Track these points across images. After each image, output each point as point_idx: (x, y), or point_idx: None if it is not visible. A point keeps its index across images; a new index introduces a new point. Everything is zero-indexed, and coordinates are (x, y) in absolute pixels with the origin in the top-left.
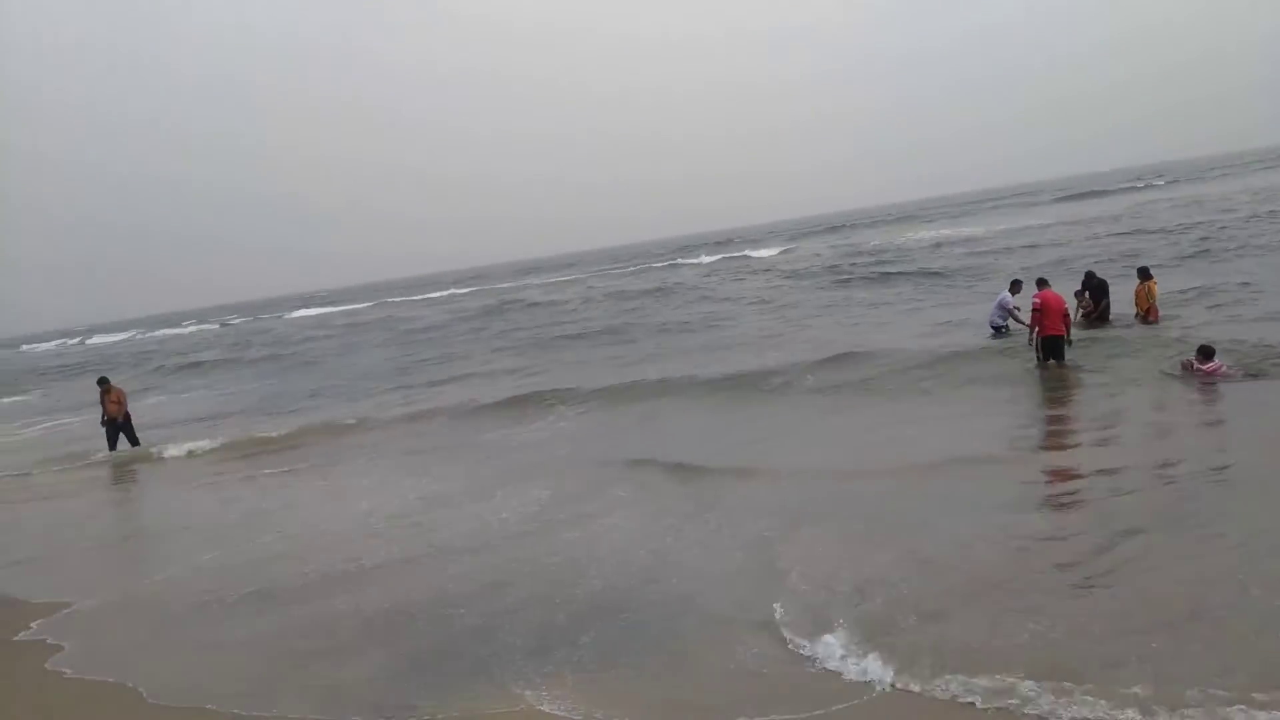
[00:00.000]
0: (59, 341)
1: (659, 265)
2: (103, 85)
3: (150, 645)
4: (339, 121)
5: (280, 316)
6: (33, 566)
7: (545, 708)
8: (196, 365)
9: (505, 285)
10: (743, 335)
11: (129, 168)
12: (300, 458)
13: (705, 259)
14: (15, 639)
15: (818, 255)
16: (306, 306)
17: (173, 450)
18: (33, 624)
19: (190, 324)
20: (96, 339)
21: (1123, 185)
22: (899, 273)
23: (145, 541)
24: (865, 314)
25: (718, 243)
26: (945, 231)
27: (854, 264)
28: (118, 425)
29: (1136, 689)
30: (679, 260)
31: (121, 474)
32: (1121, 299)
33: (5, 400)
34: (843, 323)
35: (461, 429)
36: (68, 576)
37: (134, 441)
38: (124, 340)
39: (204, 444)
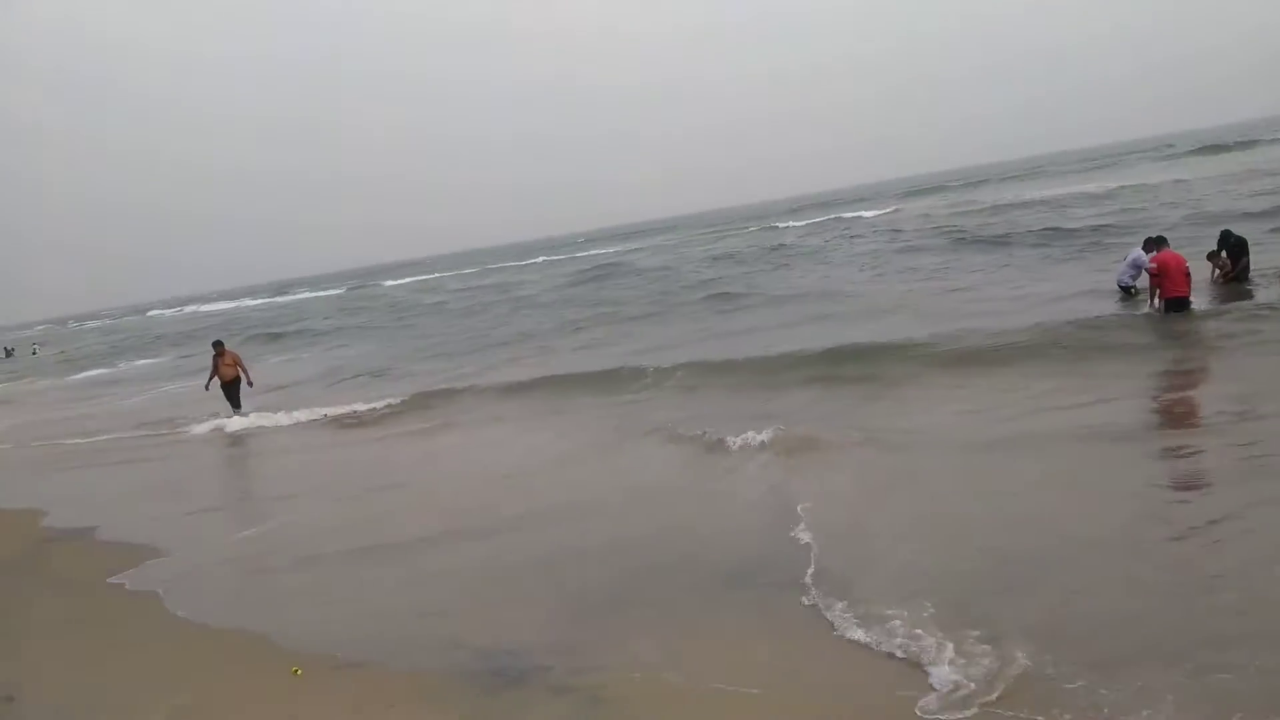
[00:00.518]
0: (175, 310)
1: (754, 228)
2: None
3: (280, 594)
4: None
5: (381, 285)
6: (160, 520)
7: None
8: (310, 331)
9: (606, 251)
10: (863, 302)
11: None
12: (421, 419)
13: (802, 222)
14: (143, 590)
15: (927, 215)
16: (414, 274)
17: (293, 416)
18: (156, 574)
19: (303, 291)
20: (219, 305)
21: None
22: (1020, 232)
23: (266, 497)
24: (983, 278)
25: (822, 204)
26: (1072, 189)
27: (971, 223)
28: (232, 388)
29: None
30: (781, 224)
31: (241, 436)
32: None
33: (140, 362)
34: (959, 287)
35: (579, 392)
36: (199, 531)
37: (236, 405)
38: (243, 306)
39: (322, 411)
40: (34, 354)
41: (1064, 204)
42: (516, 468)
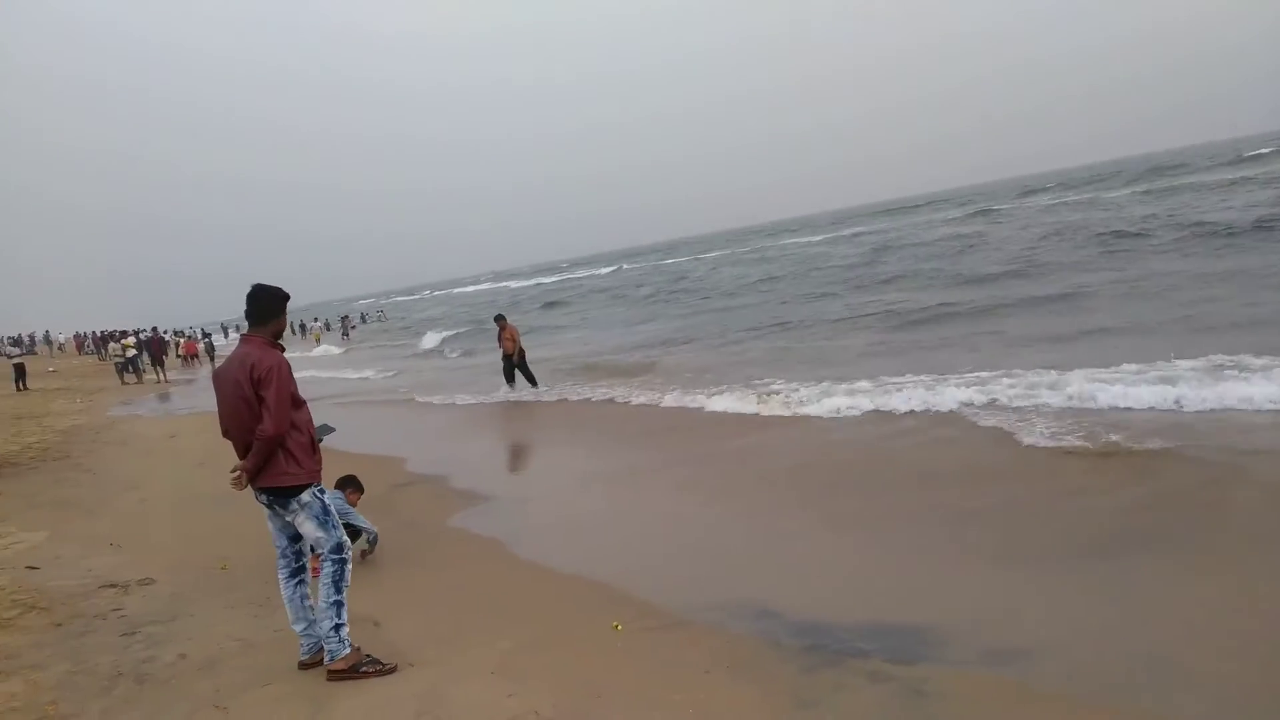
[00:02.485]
0: (474, 287)
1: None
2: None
3: (610, 550)
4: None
5: (661, 261)
6: (502, 474)
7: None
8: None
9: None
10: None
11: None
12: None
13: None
14: (486, 534)
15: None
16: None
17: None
18: (497, 520)
19: (581, 271)
20: (510, 283)
21: None
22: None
23: (603, 461)
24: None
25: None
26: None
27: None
28: (513, 362)
29: None
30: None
31: (520, 407)
32: None
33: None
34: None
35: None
36: (537, 486)
37: (531, 380)
38: (537, 284)
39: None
40: (380, 319)
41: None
42: None
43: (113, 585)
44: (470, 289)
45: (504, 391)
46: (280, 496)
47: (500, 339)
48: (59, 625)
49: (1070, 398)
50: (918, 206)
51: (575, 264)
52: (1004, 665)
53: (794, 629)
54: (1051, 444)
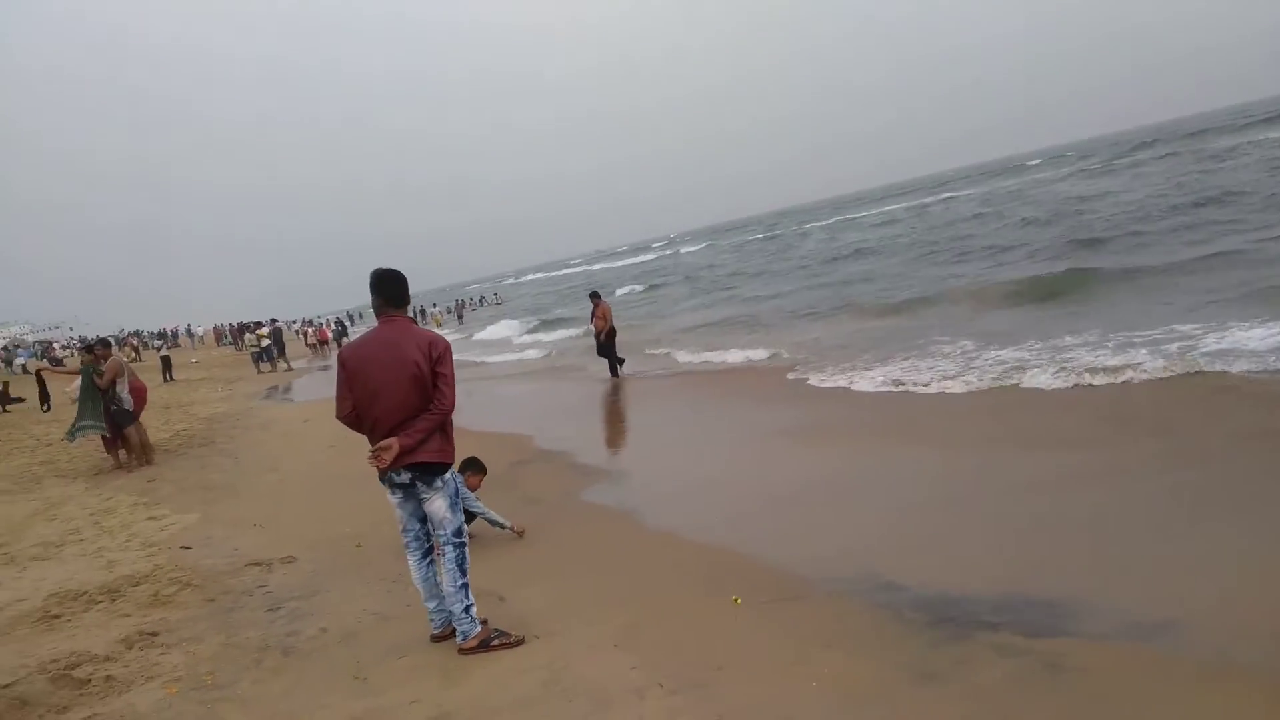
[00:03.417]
0: (563, 270)
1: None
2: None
3: (737, 525)
4: None
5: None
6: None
7: None
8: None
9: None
10: None
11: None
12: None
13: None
14: (611, 505)
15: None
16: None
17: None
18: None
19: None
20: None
21: None
22: None
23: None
24: None
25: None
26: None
27: None
28: (602, 342)
29: None
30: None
31: (620, 385)
32: None
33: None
34: None
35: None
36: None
37: (615, 364)
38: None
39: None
40: (497, 302)
41: None
42: None
43: (257, 563)
44: (580, 269)
45: (595, 371)
46: (427, 474)
47: (593, 318)
48: (211, 601)
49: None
50: (1033, 164)
51: (668, 241)
52: (1149, 637)
53: (918, 602)
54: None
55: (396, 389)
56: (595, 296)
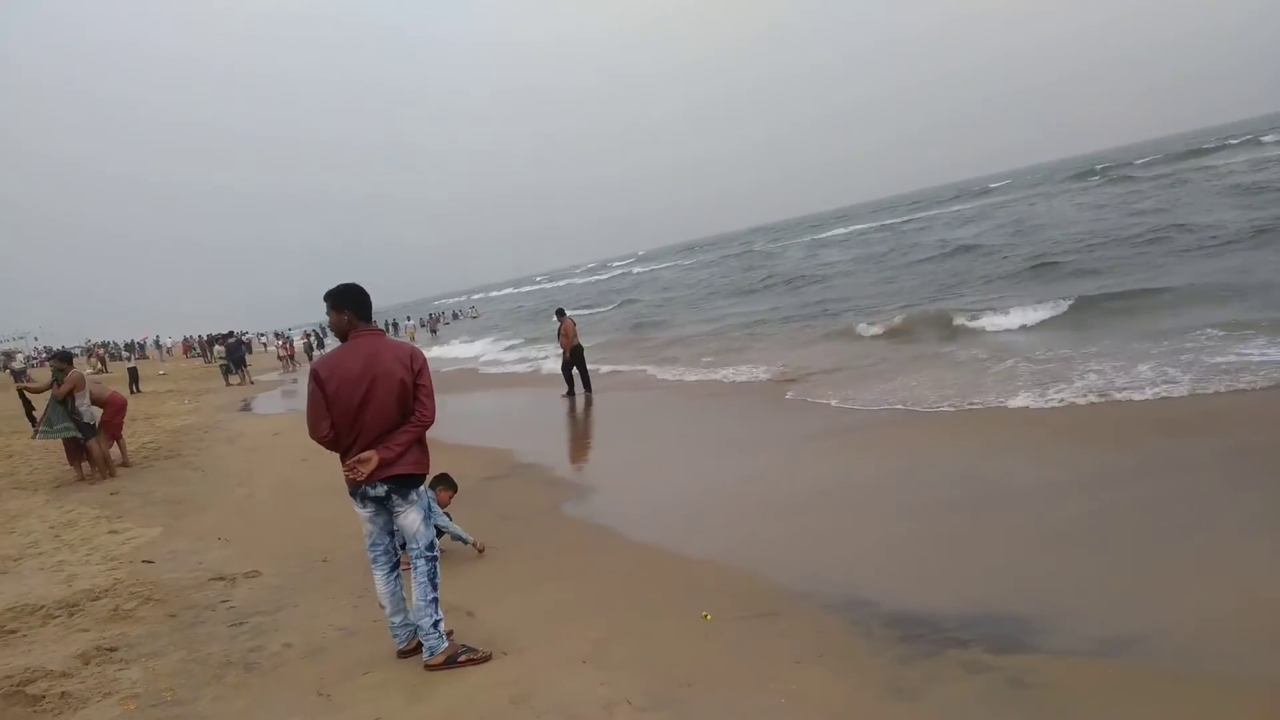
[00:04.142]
0: (567, 280)
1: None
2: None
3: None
4: None
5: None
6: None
7: None
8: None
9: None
10: None
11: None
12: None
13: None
14: (587, 518)
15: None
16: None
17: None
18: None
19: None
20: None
21: None
22: None
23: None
24: None
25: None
26: None
27: None
28: (567, 359)
29: None
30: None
31: (589, 401)
32: None
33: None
34: None
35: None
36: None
37: (585, 381)
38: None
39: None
40: (474, 316)
41: None
42: None
43: (221, 578)
44: (592, 278)
45: (563, 394)
46: (403, 487)
47: (559, 334)
48: (173, 616)
49: None
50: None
51: (644, 257)
52: (1114, 652)
53: (888, 618)
54: None
55: (383, 404)
56: (560, 313)
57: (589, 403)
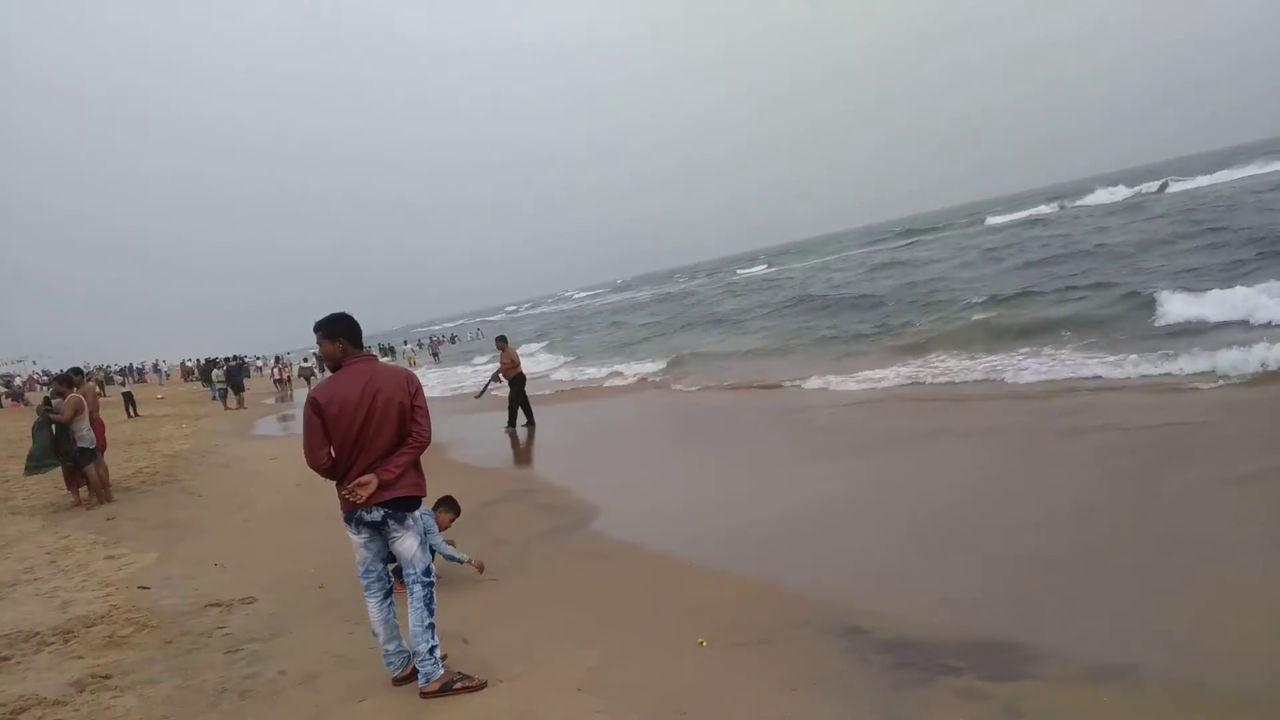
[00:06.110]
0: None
1: None
2: None
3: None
4: None
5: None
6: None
7: None
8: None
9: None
10: None
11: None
12: None
13: None
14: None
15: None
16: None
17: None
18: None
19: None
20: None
21: None
22: None
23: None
24: None
25: None
26: None
27: None
28: (511, 391)
29: None
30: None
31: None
32: None
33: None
34: None
35: None
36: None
37: (527, 412)
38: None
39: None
40: (478, 337)
41: None
42: None
43: (217, 604)
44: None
45: (504, 428)
46: (401, 510)
47: (501, 362)
48: (169, 643)
49: None
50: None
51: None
52: (1108, 680)
53: (882, 645)
54: None
55: (382, 426)
56: (502, 341)
57: (530, 437)
